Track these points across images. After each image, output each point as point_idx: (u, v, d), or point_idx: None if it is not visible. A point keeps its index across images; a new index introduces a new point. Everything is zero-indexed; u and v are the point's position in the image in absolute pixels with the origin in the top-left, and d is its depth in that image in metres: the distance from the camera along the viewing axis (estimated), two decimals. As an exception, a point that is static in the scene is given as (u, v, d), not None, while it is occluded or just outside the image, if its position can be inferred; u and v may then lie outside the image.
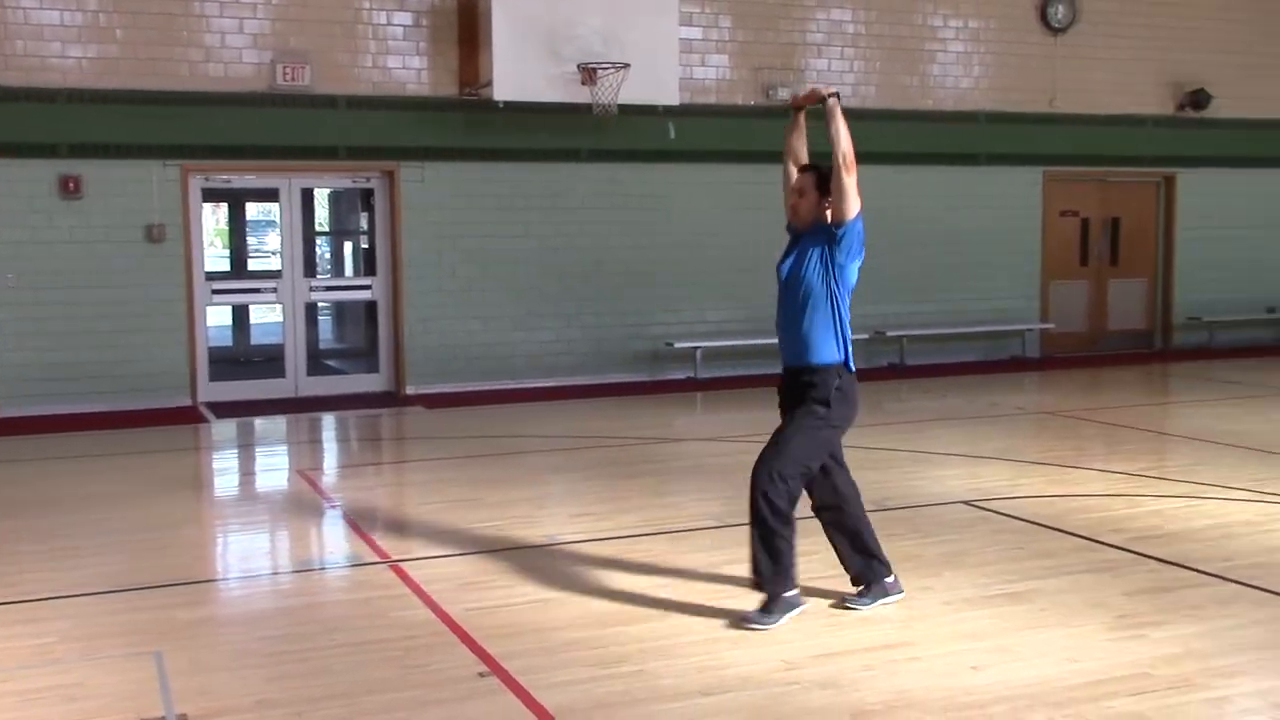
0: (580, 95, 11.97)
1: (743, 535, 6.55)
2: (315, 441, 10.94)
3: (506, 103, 11.88)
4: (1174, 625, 5.10)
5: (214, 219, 18.28)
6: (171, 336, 11.72)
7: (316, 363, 13.50)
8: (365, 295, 12.94)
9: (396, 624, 5.26)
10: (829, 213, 5.22)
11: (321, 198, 15.69)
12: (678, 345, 13.22)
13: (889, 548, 5.55)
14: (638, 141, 13.03)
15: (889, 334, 13.94)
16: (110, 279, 11.45)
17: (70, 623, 5.36)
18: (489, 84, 11.83)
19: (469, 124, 12.48)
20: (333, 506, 7.74)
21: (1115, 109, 15.23)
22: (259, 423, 11.21)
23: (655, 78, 12.20)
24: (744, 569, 5.89)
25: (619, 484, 8.09)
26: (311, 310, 13.41)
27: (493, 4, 11.68)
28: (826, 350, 5.22)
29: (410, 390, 12.48)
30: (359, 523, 7.22)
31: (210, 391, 12.10)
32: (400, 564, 6.21)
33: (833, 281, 5.21)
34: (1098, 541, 6.42)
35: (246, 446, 10.45)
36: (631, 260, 13.23)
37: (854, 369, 5.29)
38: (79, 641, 5.11)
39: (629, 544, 6.52)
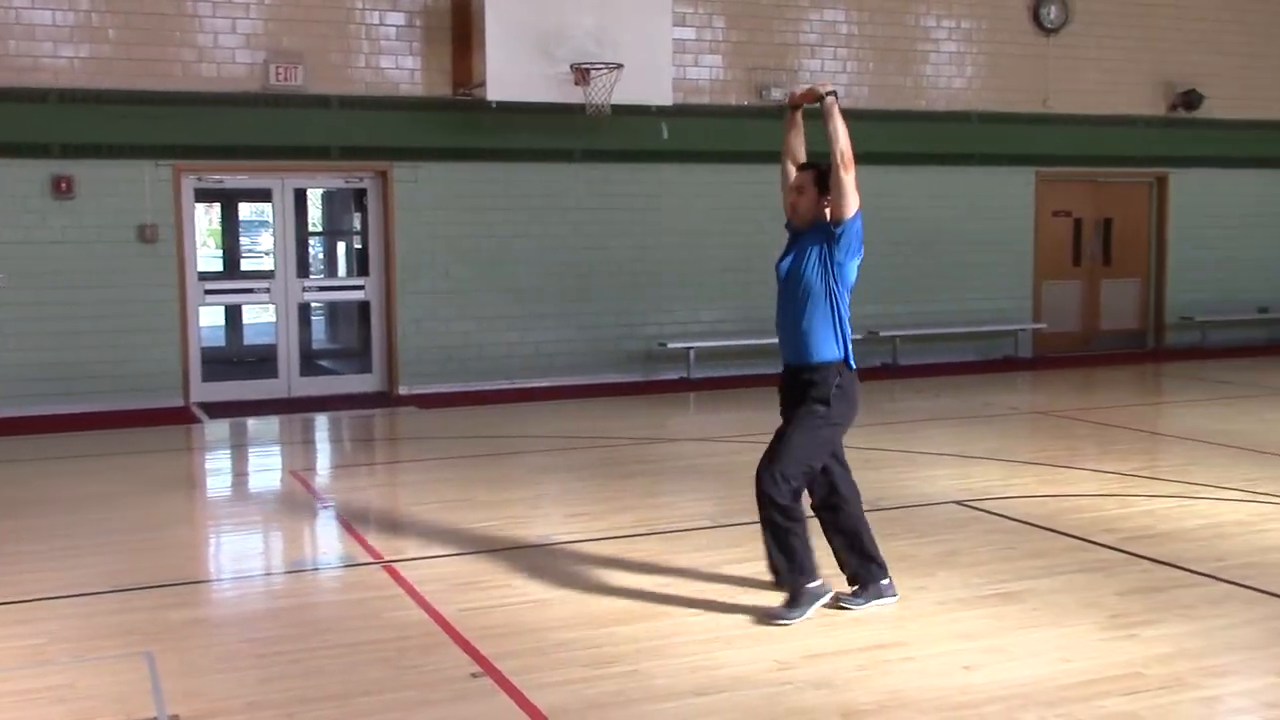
0: (574, 95, 11.96)
1: (737, 535, 6.58)
2: (308, 442, 10.92)
3: (500, 103, 11.87)
4: (1166, 625, 5.11)
5: (207, 219, 18.24)
6: (164, 337, 11.69)
7: (309, 363, 13.48)
8: (358, 295, 12.92)
9: (389, 625, 5.25)
10: (828, 211, 5.22)
11: (315, 198, 15.66)
12: (671, 345, 13.22)
13: (882, 548, 5.55)
14: (631, 142, 13.02)
15: (882, 334, 13.95)
16: (103, 279, 11.43)
17: (62, 623, 5.35)
18: (482, 84, 11.83)
19: (462, 124, 12.47)
20: (326, 507, 7.73)
21: (1107, 109, 15.26)
22: (252, 423, 11.19)
23: (649, 78, 12.20)
24: (739, 569, 5.92)
25: (612, 484, 8.09)
26: (304, 310, 13.39)
27: (486, 4, 11.68)
28: (826, 348, 5.22)
29: (403, 390, 12.47)
30: (352, 523, 7.21)
31: (203, 392, 12.08)
32: (393, 564, 6.21)
33: (832, 280, 5.21)
34: (1090, 541, 6.43)
35: (239, 447, 10.43)
36: (625, 260, 13.23)
37: (854, 366, 5.30)
38: (71, 642, 5.10)
39: (623, 544, 6.52)
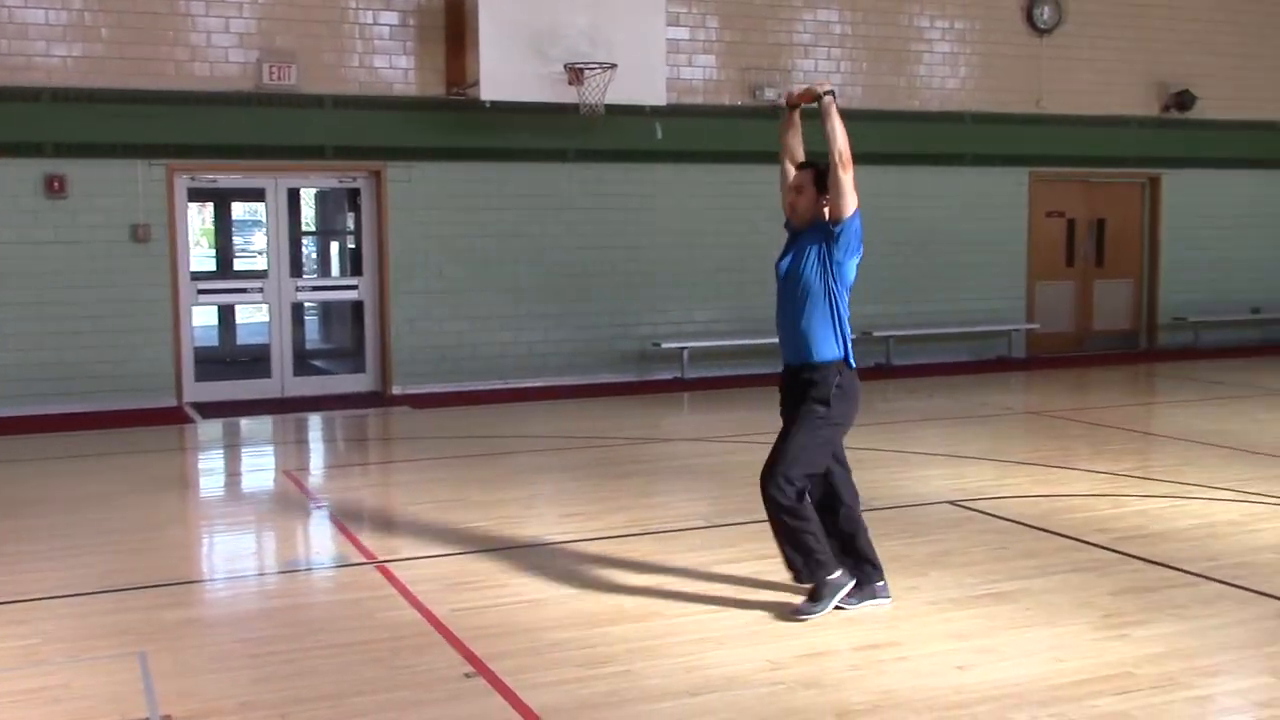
0: (567, 95, 11.96)
1: (731, 535, 6.59)
2: (301, 442, 10.91)
3: (493, 103, 11.88)
4: (1158, 624, 5.12)
5: (200, 219, 18.23)
6: (157, 336, 11.68)
7: (303, 363, 13.46)
8: (352, 295, 12.91)
9: (383, 625, 5.25)
10: (827, 210, 5.23)
11: (308, 197, 15.64)
12: (665, 345, 13.23)
13: (876, 548, 5.55)
14: (625, 141, 13.03)
15: (876, 334, 13.96)
16: (95, 279, 11.41)
17: (56, 624, 5.34)
18: (476, 84, 11.82)
19: (456, 124, 12.46)
20: (319, 507, 7.73)
21: (1101, 110, 15.28)
22: (245, 423, 11.18)
23: (642, 78, 12.20)
24: (734, 569, 5.93)
25: (607, 484, 8.09)
26: (298, 310, 13.37)
27: (479, 4, 11.68)
28: (826, 347, 5.23)
29: (397, 390, 12.46)
30: (345, 523, 7.20)
31: (196, 392, 12.06)
32: (386, 564, 6.20)
33: (831, 279, 5.22)
34: (1083, 541, 6.44)
35: (232, 447, 10.42)
36: (619, 260, 13.23)
37: (854, 365, 5.31)
38: (64, 642, 5.09)
39: (616, 544, 6.52)
